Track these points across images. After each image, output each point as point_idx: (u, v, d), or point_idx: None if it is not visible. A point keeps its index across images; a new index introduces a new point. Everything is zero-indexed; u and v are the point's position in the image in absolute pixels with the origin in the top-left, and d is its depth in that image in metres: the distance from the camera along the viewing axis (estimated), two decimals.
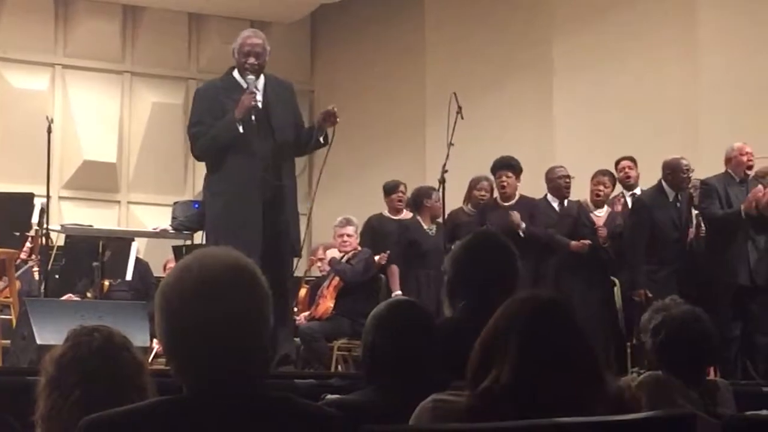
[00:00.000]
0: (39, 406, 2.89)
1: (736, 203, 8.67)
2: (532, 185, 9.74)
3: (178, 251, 9.65)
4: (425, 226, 9.62)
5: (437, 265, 9.21)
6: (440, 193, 9.08)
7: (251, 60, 6.89)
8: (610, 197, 9.49)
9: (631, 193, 9.56)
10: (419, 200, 9.73)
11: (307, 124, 7.41)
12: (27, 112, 12.53)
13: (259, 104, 6.88)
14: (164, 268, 10.70)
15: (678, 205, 9.00)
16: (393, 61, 13.60)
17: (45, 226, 8.68)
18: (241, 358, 2.27)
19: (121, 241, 9.17)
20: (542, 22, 12.08)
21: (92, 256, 8.62)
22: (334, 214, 9.94)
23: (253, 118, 6.83)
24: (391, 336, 3.49)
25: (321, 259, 10.38)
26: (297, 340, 9.49)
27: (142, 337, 6.79)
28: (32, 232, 8.78)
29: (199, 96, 7.21)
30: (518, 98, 12.20)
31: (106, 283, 9.27)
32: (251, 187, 6.82)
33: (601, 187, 9.33)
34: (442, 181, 8.91)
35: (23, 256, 9.24)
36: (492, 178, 9.57)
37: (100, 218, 11.74)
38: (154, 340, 7.79)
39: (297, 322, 9.55)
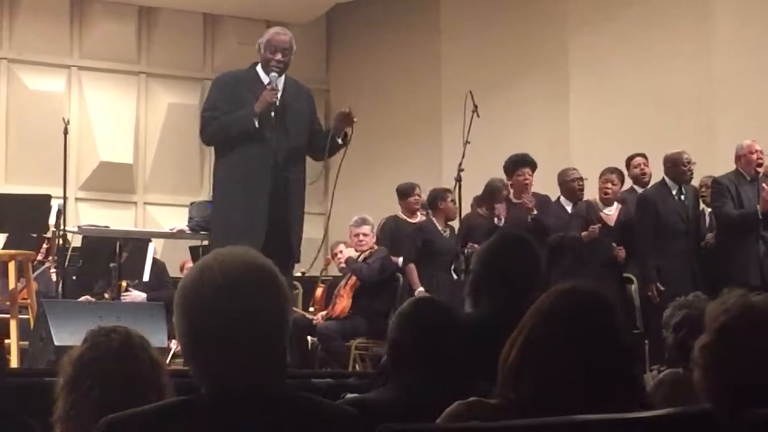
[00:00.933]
0: (57, 407, 2.90)
1: (747, 202, 8.64)
2: (547, 183, 9.71)
3: (194, 252, 9.64)
4: (440, 227, 9.62)
5: (449, 268, 9.24)
6: (456, 193, 9.08)
7: (278, 56, 6.84)
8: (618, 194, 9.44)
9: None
10: (434, 202, 9.74)
11: (322, 124, 7.38)
12: (43, 114, 12.58)
13: (277, 102, 6.85)
14: (181, 269, 10.72)
15: (682, 198, 8.99)
16: (408, 60, 13.58)
17: (62, 227, 8.68)
18: (260, 357, 2.26)
19: (138, 242, 9.16)
20: (557, 19, 12.06)
21: (109, 257, 8.61)
22: (350, 214, 9.92)
23: (272, 114, 6.81)
24: (415, 333, 3.50)
25: (339, 253, 10.24)
26: (314, 339, 9.55)
27: (160, 338, 6.78)
28: (49, 234, 8.80)
29: (218, 83, 7.18)
30: (534, 96, 12.17)
31: (124, 283, 9.28)
32: (260, 175, 6.77)
33: (609, 185, 9.28)
34: (459, 180, 8.90)
35: (40, 257, 9.27)
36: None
37: (117, 219, 11.75)
38: (172, 341, 7.80)
39: (314, 321, 9.57)
